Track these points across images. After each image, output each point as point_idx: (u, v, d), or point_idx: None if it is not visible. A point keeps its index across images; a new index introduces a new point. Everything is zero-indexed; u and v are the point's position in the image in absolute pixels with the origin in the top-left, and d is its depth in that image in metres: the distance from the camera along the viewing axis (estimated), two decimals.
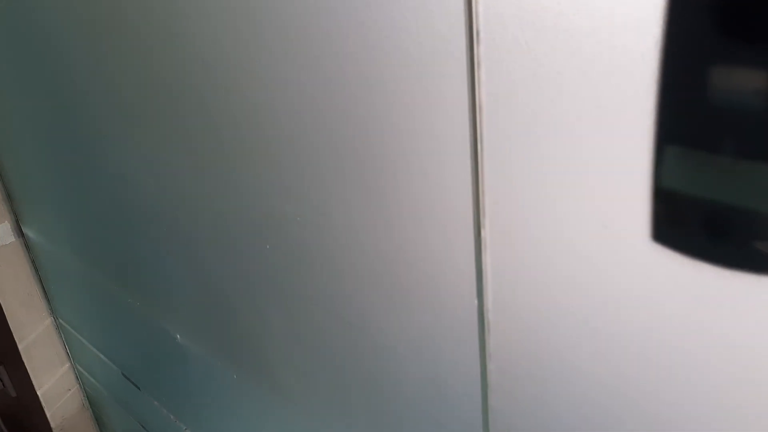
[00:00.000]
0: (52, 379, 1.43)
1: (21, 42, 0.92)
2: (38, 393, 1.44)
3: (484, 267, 0.46)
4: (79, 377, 1.45)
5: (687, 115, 0.33)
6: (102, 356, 1.28)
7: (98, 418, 1.50)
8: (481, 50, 0.40)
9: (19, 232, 1.28)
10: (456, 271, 0.47)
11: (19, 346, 1.38)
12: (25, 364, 1.40)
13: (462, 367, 0.50)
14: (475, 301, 0.47)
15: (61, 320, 1.37)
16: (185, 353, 0.95)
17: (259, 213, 0.64)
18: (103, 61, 0.76)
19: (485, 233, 0.45)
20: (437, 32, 0.41)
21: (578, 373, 0.43)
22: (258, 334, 0.76)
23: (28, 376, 1.42)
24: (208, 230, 0.74)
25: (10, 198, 1.24)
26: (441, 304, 0.49)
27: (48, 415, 1.45)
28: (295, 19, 0.49)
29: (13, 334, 1.37)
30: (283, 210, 0.61)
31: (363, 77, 0.47)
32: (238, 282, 0.74)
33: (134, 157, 0.81)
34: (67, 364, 1.44)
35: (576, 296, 0.42)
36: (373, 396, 0.62)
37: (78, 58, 0.80)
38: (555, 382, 0.45)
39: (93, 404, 1.48)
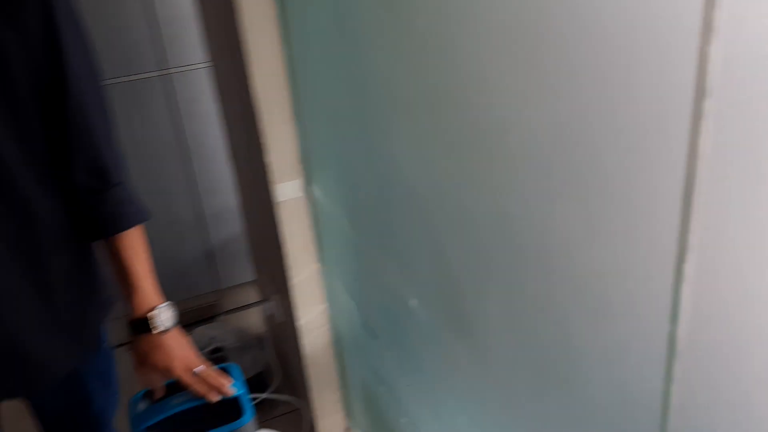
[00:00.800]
0: (311, 314, 1.70)
1: (333, 32, 1.12)
2: (298, 324, 1.72)
3: (682, 296, 0.49)
4: (331, 318, 1.71)
5: None
6: (351, 304, 1.50)
7: (339, 356, 1.75)
8: (708, 103, 0.44)
9: (306, 190, 1.54)
10: (654, 295, 0.51)
11: (291, 283, 1.67)
12: (292, 298, 1.69)
13: (646, 384, 0.54)
14: (668, 326, 0.51)
15: (325, 267, 1.63)
16: (417, 317, 1.10)
17: (496, 212, 0.74)
18: (396, 59, 0.91)
19: (688, 267, 0.49)
20: (668, 82, 0.46)
21: (756, 414, 0.46)
22: (478, 315, 0.87)
23: (293, 308, 1.71)
24: (452, 219, 0.86)
25: (304, 160, 1.51)
26: (636, 321, 0.54)
27: (303, 342, 1.73)
28: (559, 62, 0.57)
29: (289, 272, 1.66)
30: (517, 212, 0.70)
31: (598, 112, 0.53)
32: (469, 266, 0.85)
33: (406, 145, 0.96)
34: (323, 306, 1.70)
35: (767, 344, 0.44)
36: (563, 392, 0.69)
37: (376, 52, 0.97)
38: (733, 417, 0.48)
39: (337, 343, 1.73)
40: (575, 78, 0.55)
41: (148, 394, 1.14)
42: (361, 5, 0.98)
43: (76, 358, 1.10)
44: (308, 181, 1.53)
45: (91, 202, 1.02)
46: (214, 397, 1.08)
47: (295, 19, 1.33)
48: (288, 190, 1.53)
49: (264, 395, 1.95)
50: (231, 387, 1.09)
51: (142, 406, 1.12)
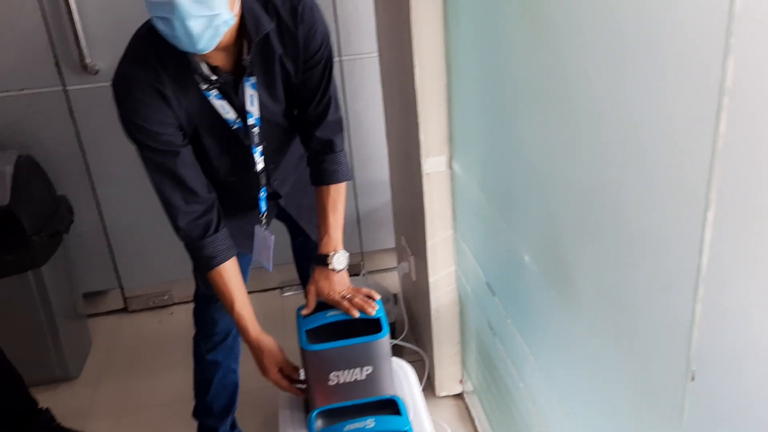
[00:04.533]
0: (441, 274, 1.97)
1: (481, 36, 1.38)
2: (429, 281, 1.99)
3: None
4: (458, 279, 1.97)
5: None
6: (476, 266, 1.75)
7: (461, 313, 2.00)
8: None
9: (449, 165, 1.81)
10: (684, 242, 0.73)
11: (427, 245, 1.94)
12: (427, 258, 1.96)
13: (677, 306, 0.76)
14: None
15: (457, 234, 1.89)
16: (529, 272, 1.33)
17: (589, 182, 0.97)
18: (526, 60, 1.16)
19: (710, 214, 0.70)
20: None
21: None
22: (575, 267, 1.09)
23: (426, 267, 1.98)
24: (559, 188, 1.10)
25: (450, 139, 1.78)
26: (666, 257, 0.76)
27: (431, 298, 2.00)
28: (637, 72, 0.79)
29: (426, 235, 1.93)
30: (605, 182, 0.92)
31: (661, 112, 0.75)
32: (569, 226, 1.08)
33: (528, 129, 1.20)
34: (452, 268, 1.96)
35: None
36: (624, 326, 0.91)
37: (512, 55, 1.22)
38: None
39: (460, 301, 1.99)
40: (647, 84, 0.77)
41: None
42: (502, 18, 1.24)
43: None
44: (451, 157, 1.80)
45: (319, 159, 1.53)
46: (356, 314, 1.39)
47: (454, 21, 1.60)
48: (434, 164, 1.81)
49: (393, 342, 2.26)
50: (373, 310, 1.40)
51: (304, 312, 1.46)
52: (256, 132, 1.46)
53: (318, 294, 1.45)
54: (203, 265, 1.47)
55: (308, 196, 1.68)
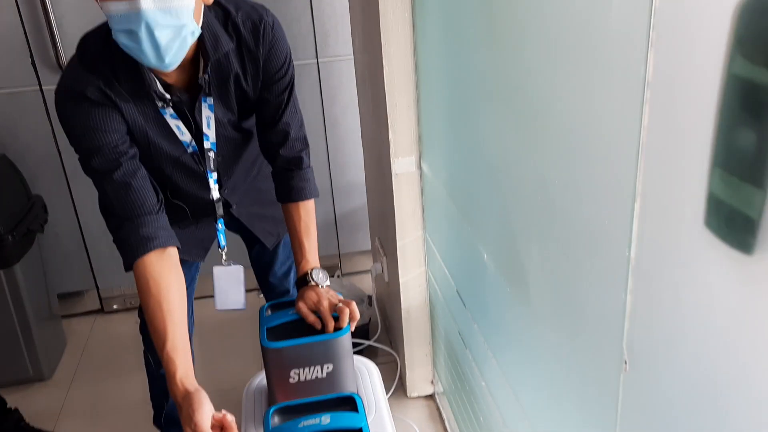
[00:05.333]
0: (411, 275, 1.97)
1: (444, 40, 1.39)
2: (400, 282, 2.00)
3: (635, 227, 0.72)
4: (428, 279, 1.97)
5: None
6: (445, 270, 1.76)
7: (432, 314, 2.01)
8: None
9: (419, 166, 1.82)
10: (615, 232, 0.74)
11: (398, 245, 1.94)
12: (398, 259, 1.97)
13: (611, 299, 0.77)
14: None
15: (427, 234, 1.90)
16: (488, 271, 1.34)
17: (539, 179, 0.98)
18: (485, 63, 1.17)
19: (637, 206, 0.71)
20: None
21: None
22: (526, 263, 1.10)
23: (398, 268, 1.99)
24: (514, 186, 1.11)
25: (419, 140, 1.79)
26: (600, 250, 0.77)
27: (402, 298, 2.01)
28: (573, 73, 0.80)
29: (397, 235, 1.93)
30: (553, 178, 0.93)
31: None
32: (522, 222, 1.09)
33: (487, 128, 1.21)
34: (423, 268, 1.97)
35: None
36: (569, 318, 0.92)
37: (472, 58, 1.23)
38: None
39: (431, 303, 1.99)
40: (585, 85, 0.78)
41: (272, 307, 1.48)
42: (463, 23, 1.25)
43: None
44: (420, 158, 1.81)
45: (287, 176, 1.50)
46: (330, 326, 1.36)
47: (421, 24, 1.61)
48: (404, 165, 1.81)
49: (367, 342, 2.27)
50: (344, 324, 1.37)
51: (268, 312, 1.46)
52: (212, 157, 1.43)
53: (309, 306, 1.40)
54: (132, 252, 1.30)
55: (260, 204, 1.68)
